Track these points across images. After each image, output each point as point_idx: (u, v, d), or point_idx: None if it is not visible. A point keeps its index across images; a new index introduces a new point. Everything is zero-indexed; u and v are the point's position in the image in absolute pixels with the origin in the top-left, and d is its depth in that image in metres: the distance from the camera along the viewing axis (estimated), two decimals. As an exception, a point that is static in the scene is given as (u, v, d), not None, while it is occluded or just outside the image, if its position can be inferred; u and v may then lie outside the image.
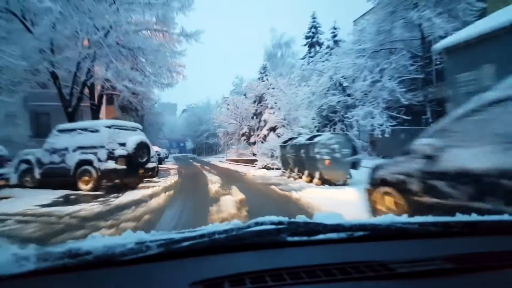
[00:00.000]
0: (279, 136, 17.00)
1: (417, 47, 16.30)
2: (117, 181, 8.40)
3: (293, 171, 9.78)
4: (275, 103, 17.49)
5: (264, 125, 22.93)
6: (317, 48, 27.90)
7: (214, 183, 9.24)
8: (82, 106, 16.58)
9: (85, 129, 8.39)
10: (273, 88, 18.89)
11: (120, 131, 8.43)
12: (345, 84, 16.54)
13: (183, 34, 12.39)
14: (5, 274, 0.72)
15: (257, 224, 0.94)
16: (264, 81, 24.03)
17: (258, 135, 23.66)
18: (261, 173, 12.41)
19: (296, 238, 0.93)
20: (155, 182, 9.95)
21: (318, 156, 7.65)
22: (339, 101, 16.43)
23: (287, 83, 17.32)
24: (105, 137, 8.09)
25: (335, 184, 7.60)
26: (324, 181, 7.75)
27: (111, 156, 7.99)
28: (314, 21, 28.92)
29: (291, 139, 10.41)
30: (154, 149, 19.84)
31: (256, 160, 21.48)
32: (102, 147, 8.03)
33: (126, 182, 8.71)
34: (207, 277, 0.73)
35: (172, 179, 10.98)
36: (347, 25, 26.01)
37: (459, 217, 1.13)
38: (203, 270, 0.78)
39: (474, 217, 1.11)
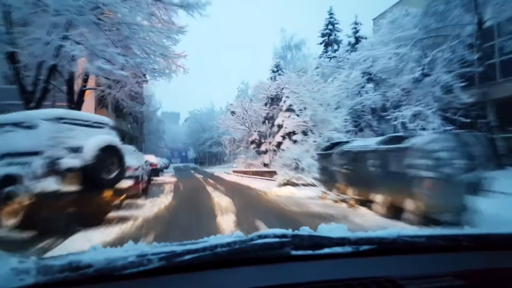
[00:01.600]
0: (302, 144, 13.68)
1: (471, 34, 13.07)
2: (64, 211, 5.09)
3: (344, 193, 6.43)
4: (299, 102, 14.19)
5: (278, 131, 19.66)
6: (335, 46, 24.85)
7: (225, 213, 5.88)
8: (58, 106, 13.48)
9: (17, 124, 5.12)
10: (292, 86, 15.68)
11: (74, 128, 5.14)
12: (381, 78, 13.37)
13: (184, 5, 9.27)
14: None
15: (260, 237, 0.91)
16: (277, 80, 20.90)
17: (270, 143, 20.37)
18: (286, 192, 9.05)
19: (300, 252, 0.89)
20: (136, 208, 6.61)
21: (414, 172, 4.31)
22: (383, 100, 13.17)
23: (310, 80, 14.11)
24: (44, 136, 4.80)
25: (448, 223, 4.24)
26: (422, 217, 4.39)
27: (53, 169, 4.69)
28: (331, 17, 25.96)
29: (337, 144, 7.08)
30: (145, 157, 16.58)
31: (269, 172, 18.13)
32: (39, 153, 4.74)
33: (82, 212, 5.38)
34: None
35: (163, 201, 7.66)
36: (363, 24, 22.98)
37: (467, 230, 1.16)
38: (207, 286, 0.78)
39: (483, 230, 1.09)
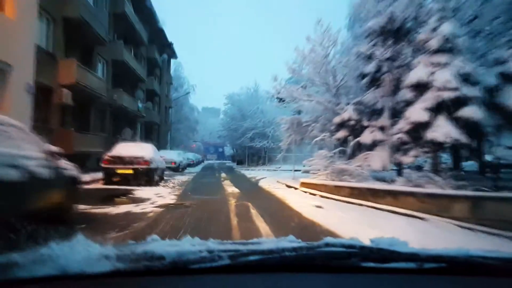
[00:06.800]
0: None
1: None
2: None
3: None
4: None
5: (415, 98, 8.49)
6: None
7: None
8: None
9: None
10: None
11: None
12: None
13: None
14: (92, 272, 0.71)
15: (327, 245, 0.92)
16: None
17: (391, 126, 9.25)
18: None
19: (367, 264, 0.87)
20: None
21: None
22: None
23: None
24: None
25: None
26: None
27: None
28: None
29: None
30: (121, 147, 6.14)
31: (406, 196, 7.13)
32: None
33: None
34: None
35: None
36: None
37: None
38: None
39: None
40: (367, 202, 7.89)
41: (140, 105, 21.65)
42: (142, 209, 5.57)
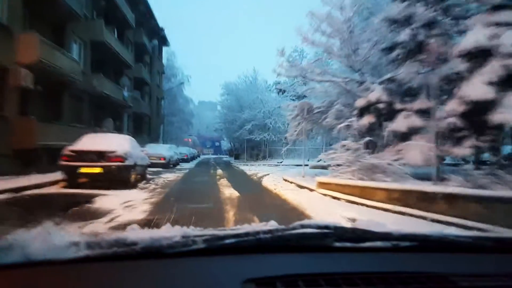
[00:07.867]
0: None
1: None
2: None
3: None
4: None
5: (473, 69, 6.43)
6: None
7: None
8: None
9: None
10: None
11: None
12: None
13: None
14: (59, 259, 0.70)
15: (302, 226, 0.92)
16: None
17: (432, 109, 7.15)
18: None
19: (341, 244, 0.89)
20: None
21: None
22: None
23: None
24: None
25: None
26: None
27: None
28: None
29: None
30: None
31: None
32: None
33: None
34: (258, 276, 0.70)
35: None
36: None
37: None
38: (253, 269, 0.76)
39: None
40: (412, 210, 5.86)
41: (125, 93, 19.33)
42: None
